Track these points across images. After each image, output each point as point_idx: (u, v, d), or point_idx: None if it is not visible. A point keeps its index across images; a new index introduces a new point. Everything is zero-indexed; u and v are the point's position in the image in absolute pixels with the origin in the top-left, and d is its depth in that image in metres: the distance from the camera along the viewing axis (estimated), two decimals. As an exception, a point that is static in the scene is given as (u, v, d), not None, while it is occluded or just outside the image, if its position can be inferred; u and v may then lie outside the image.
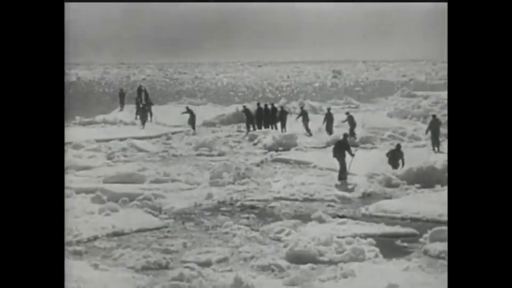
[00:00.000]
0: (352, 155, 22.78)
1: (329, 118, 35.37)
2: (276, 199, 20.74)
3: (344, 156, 22.64)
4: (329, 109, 36.98)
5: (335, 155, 22.79)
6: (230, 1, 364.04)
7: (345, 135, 23.97)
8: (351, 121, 33.83)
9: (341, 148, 22.75)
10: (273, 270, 13.66)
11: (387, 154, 24.31)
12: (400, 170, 23.08)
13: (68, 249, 15.12)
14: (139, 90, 46.96)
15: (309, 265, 13.90)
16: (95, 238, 16.18)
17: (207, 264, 14.01)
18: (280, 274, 13.46)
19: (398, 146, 24.51)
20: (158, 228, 17.25)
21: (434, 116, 30.00)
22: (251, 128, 37.42)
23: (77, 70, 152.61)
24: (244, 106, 40.02)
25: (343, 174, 22.58)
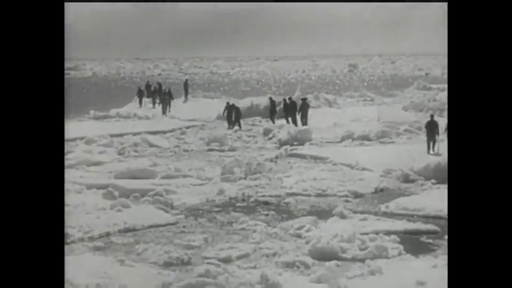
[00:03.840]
0: (437, 133, 26.66)
1: (304, 108, 36.26)
2: (289, 194, 20.37)
3: (435, 133, 26.56)
4: (303, 99, 37.74)
5: (425, 131, 27.24)
6: (247, 1, 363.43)
7: (431, 115, 27.63)
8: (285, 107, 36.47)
9: (431, 127, 26.76)
10: (298, 267, 13.38)
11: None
12: (418, 166, 22.59)
13: (88, 245, 15.09)
14: (160, 84, 51.75)
15: (334, 262, 13.60)
16: (107, 234, 15.98)
17: (228, 260, 13.75)
18: (306, 271, 13.19)
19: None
20: (171, 224, 16.99)
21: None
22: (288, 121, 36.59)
23: (92, 65, 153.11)
24: (270, 98, 39.84)
25: (433, 148, 26.34)
